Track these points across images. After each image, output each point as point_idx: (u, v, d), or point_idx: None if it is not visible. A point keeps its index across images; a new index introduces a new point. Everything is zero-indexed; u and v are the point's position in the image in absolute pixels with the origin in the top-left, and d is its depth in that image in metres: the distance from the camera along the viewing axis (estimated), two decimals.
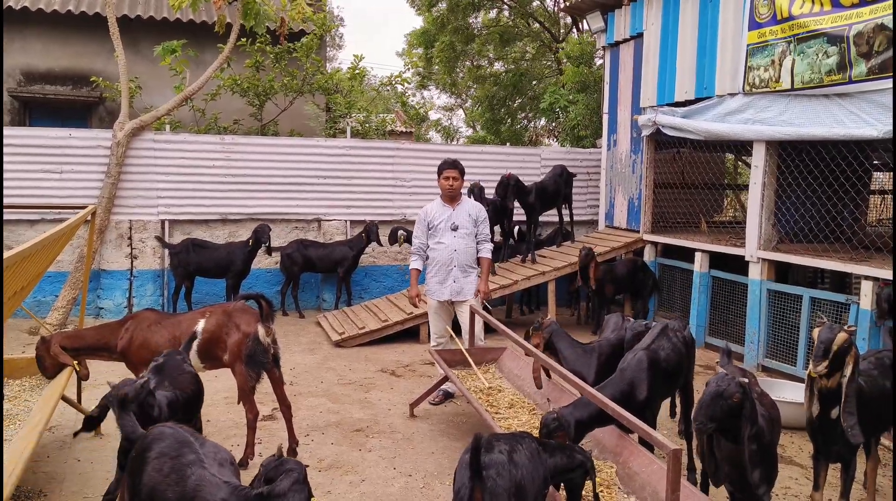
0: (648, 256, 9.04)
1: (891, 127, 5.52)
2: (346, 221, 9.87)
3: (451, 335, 6.05)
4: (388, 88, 13.92)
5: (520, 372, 5.45)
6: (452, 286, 6.00)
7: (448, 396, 6.09)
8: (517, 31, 17.65)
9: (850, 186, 7.13)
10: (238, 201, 9.40)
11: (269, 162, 9.50)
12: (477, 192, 8.18)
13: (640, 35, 9.00)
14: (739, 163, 12.97)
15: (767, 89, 6.79)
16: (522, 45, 17.99)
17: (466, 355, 5.67)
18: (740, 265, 8.05)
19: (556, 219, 9.66)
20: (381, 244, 9.54)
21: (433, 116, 23.64)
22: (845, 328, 3.47)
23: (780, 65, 6.60)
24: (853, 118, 5.92)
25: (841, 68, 5.92)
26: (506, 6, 17.09)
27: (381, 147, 10.07)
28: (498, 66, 19.28)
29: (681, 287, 8.68)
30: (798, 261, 6.76)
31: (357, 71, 11.76)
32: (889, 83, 5.51)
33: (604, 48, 10.08)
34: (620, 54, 9.63)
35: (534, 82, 17.11)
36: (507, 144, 15.45)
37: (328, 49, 21.09)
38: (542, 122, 17.95)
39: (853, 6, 5.79)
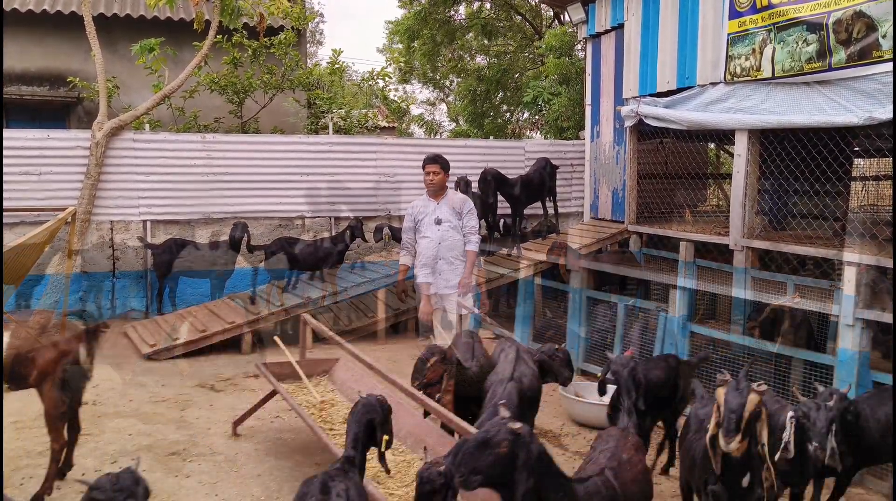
0: (634, 246, 9.05)
1: (870, 114, 5.54)
2: (330, 218, 9.82)
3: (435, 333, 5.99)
4: (370, 83, 13.85)
5: (355, 384, 5.27)
6: (438, 279, 6.00)
7: None
8: (500, 25, 17.61)
9: (831, 174, 7.16)
10: (220, 200, 9.33)
11: (251, 160, 9.43)
12: (463, 186, 8.17)
13: (622, 26, 8.98)
14: (721, 152, 13.05)
15: (749, 78, 6.80)
16: (505, 40, 17.96)
17: (296, 366, 5.45)
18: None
19: (542, 212, 9.67)
20: (366, 240, 9.49)
21: (415, 110, 23.60)
22: (754, 386, 3.08)
23: (761, 53, 6.62)
24: (833, 105, 5.94)
25: (821, 56, 5.94)
26: None
27: (364, 143, 10.03)
28: (480, 59, 19.26)
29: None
30: (781, 249, 6.80)
31: (336, 66, 11.69)
32: (868, 70, 5.52)
33: (585, 39, 10.06)
34: (602, 45, 9.62)
35: (516, 75, 17.09)
36: (491, 137, 15.45)
37: (308, 45, 20.94)
38: (526, 115, 17.93)
39: None
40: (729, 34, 7.03)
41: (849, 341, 4.88)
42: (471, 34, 17.36)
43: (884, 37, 5.33)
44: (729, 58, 7.05)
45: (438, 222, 6.00)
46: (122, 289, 8.86)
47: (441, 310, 6.07)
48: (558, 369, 4.54)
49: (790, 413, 3.41)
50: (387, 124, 20.17)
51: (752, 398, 2.97)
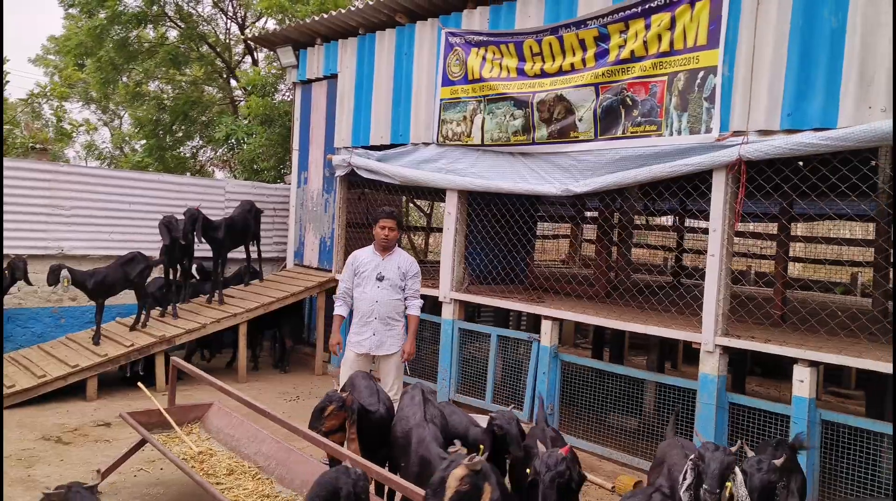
0: None
1: (566, 186, 6.31)
2: None
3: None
4: (37, 101, 11.92)
5: (232, 431, 4.95)
6: (372, 339, 5.57)
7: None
8: (186, 54, 16.56)
9: (522, 234, 7.99)
10: None
11: None
12: (174, 226, 7.44)
13: (335, 76, 9.07)
14: (411, 205, 13.86)
15: (460, 142, 7.31)
16: (193, 71, 16.94)
17: (166, 414, 4.99)
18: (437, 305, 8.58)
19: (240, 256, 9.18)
20: (29, 284, 7.98)
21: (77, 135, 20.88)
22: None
23: (472, 121, 7.17)
24: (535, 176, 6.65)
25: (526, 130, 6.63)
26: (174, 25, 15.95)
27: (33, 169, 8.52)
28: (166, 87, 17.88)
29: None
30: (487, 302, 7.35)
31: None
32: (566, 147, 6.29)
33: (295, 84, 9.95)
34: (313, 92, 9.59)
35: (205, 109, 16.19)
36: (172, 172, 14.37)
37: None
38: (217, 151, 17.06)
39: (536, 76, 6.54)
40: (442, 99, 7.50)
41: (709, 366, 5.33)
42: (154, 60, 16.04)
43: (580, 120, 6.14)
44: (441, 121, 7.51)
45: (380, 278, 5.59)
46: None
47: (356, 363, 5.63)
48: (516, 439, 3.91)
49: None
50: (39, 146, 17.55)
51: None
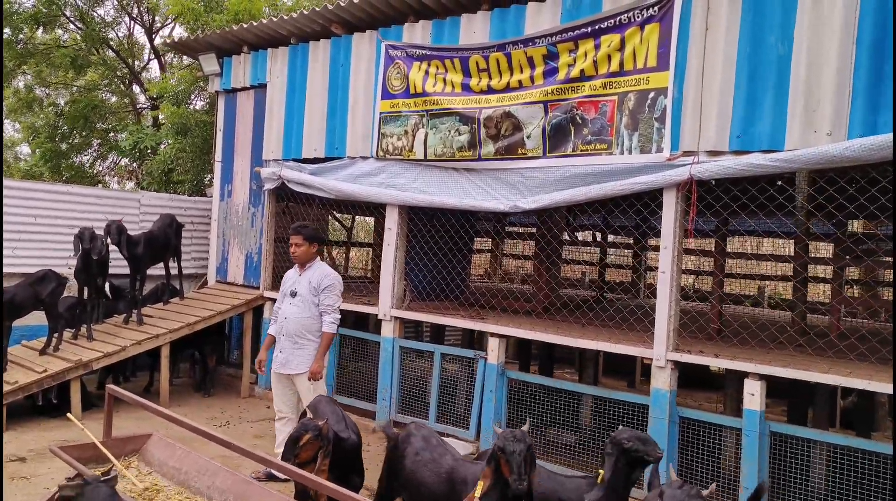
0: (268, 314, 8.67)
1: (514, 202, 6.29)
2: None
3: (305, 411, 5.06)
4: None
5: (178, 464, 4.55)
6: (279, 357, 5.48)
7: (271, 476, 5.34)
8: (85, 57, 15.59)
9: (459, 250, 7.94)
10: None
11: None
12: (87, 238, 6.91)
13: (263, 86, 8.74)
14: (333, 221, 13.55)
15: (401, 157, 7.17)
16: (92, 75, 15.96)
17: (102, 448, 4.56)
18: (360, 323, 8.38)
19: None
20: None
21: None
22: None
23: (414, 136, 7.05)
24: (481, 192, 6.60)
25: (472, 146, 6.58)
26: (74, 28, 14.99)
27: None
28: (57, 93, 16.76)
29: None
30: (429, 319, 7.23)
31: None
32: (514, 164, 6.29)
33: (218, 93, 9.52)
34: (238, 102, 9.20)
35: (107, 115, 15.28)
36: (70, 183, 13.45)
37: None
38: (120, 161, 16.10)
39: (482, 93, 6.52)
40: (381, 113, 7.35)
41: (661, 381, 5.32)
42: (47, 63, 14.99)
43: (528, 137, 6.15)
44: (381, 135, 7.35)
45: (293, 294, 5.51)
46: None
47: (276, 383, 5.70)
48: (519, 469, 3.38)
49: None
50: None
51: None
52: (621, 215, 9.19)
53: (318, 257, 5.78)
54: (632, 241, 10.93)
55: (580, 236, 12.98)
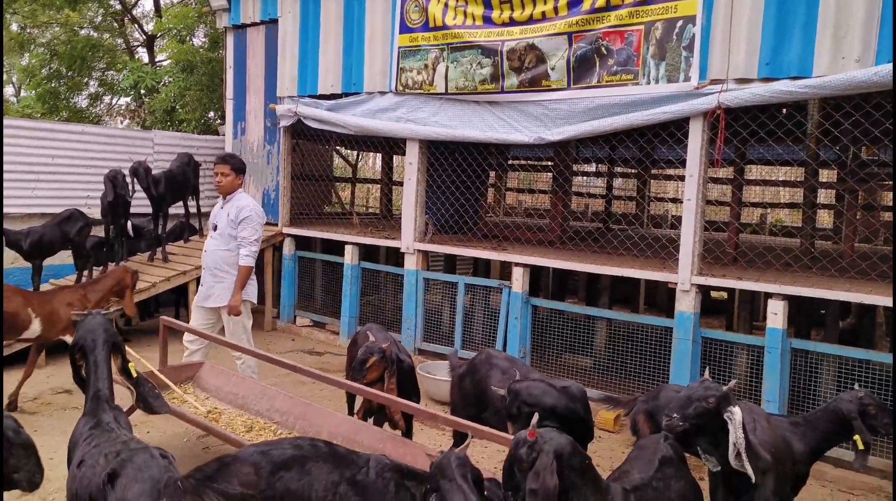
0: (287, 250, 8.84)
1: (539, 135, 6.40)
2: None
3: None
4: None
5: (235, 389, 4.81)
6: (201, 290, 5.48)
7: None
8: None
9: (472, 183, 8.04)
10: None
11: None
12: (119, 181, 6.97)
13: (275, 21, 8.66)
14: (339, 158, 13.55)
15: (420, 91, 7.21)
16: (92, 13, 15.60)
17: (161, 376, 4.77)
18: (373, 255, 8.58)
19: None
20: None
21: None
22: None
23: (434, 70, 7.08)
24: (504, 125, 6.68)
25: (494, 79, 6.63)
26: None
27: None
28: (50, 32, 16.37)
29: (324, 280, 8.73)
30: (451, 251, 7.41)
31: None
32: (538, 96, 6.36)
33: (226, 29, 9.42)
34: (249, 38, 9.13)
35: (103, 55, 14.99)
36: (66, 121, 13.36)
37: None
38: (119, 100, 15.91)
39: (504, 25, 6.53)
40: (400, 47, 7.35)
41: (685, 304, 5.55)
42: (41, 2, 14.63)
43: (552, 69, 6.21)
44: (400, 70, 7.37)
45: (214, 228, 5.47)
46: None
47: (197, 315, 5.57)
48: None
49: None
50: None
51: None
52: (625, 150, 9.34)
53: (241, 190, 5.58)
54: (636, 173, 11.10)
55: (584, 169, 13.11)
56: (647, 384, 6.14)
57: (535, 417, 2.62)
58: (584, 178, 12.99)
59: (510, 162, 12.58)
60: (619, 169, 12.21)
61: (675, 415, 2.87)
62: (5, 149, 8.14)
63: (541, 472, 2.31)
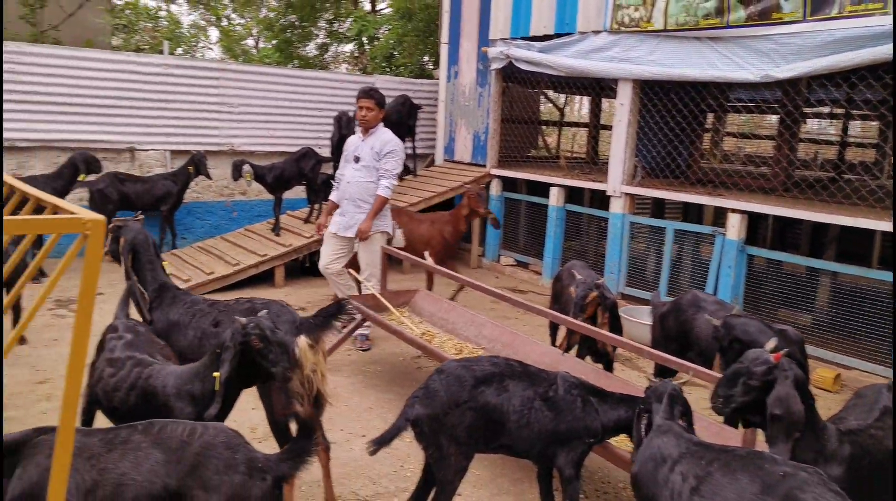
0: (495, 190, 9.10)
1: (766, 72, 5.97)
2: (165, 151, 8.55)
3: (351, 274, 5.71)
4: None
5: (446, 315, 5.13)
6: (341, 220, 5.65)
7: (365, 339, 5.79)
8: None
9: (687, 125, 7.69)
10: (27, 125, 7.67)
11: (64, 78, 7.83)
12: (344, 122, 7.56)
13: None
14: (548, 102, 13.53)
15: (637, 29, 6.98)
16: None
17: (382, 299, 5.24)
18: (578, 199, 8.54)
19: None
20: (209, 177, 8.44)
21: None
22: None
23: (653, 5, 6.80)
24: (727, 62, 6.30)
25: (719, 13, 6.24)
26: None
27: (204, 67, 8.83)
28: None
29: (528, 221, 8.91)
30: (662, 195, 7.21)
31: None
32: (767, 30, 5.91)
33: None
34: None
35: (331, 5, 16.11)
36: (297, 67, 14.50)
37: None
38: (344, 48, 17.05)
39: None
40: None
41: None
42: None
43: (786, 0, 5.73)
44: (616, 7, 7.16)
45: (356, 160, 5.62)
46: None
47: (329, 243, 5.73)
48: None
49: None
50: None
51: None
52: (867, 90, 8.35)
53: (382, 124, 5.67)
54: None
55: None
56: (874, 348, 5.67)
57: (773, 340, 2.61)
58: (815, 123, 11.82)
59: (730, 104, 11.78)
60: (856, 112, 10.97)
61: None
62: (255, 93, 9.12)
63: (786, 399, 2.34)
